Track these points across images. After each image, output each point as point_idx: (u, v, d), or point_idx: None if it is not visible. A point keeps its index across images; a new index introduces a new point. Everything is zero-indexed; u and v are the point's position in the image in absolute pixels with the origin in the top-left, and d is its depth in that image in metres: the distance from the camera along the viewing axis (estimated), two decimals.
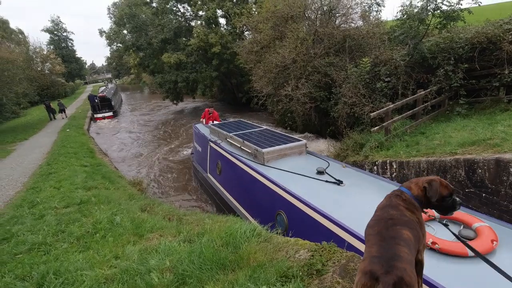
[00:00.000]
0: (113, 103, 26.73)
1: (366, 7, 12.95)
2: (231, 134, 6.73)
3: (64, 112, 22.84)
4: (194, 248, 2.80)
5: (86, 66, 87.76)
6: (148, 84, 47.86)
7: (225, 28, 22.21)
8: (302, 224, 3.82)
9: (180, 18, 23.88)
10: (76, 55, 62.21)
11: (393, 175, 6.06)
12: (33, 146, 12.69)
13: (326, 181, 4.32)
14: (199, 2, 21.03)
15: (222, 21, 22.94)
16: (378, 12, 12.96)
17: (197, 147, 9.07)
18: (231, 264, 2.39)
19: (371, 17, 12.95)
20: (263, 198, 4.83)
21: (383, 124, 7.24)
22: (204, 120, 10.63)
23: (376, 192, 3.93)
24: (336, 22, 12.98)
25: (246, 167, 5.39)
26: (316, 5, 13.14)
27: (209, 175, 7.68)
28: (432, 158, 5.35)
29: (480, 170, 4.49)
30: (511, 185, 4.06)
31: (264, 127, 7.60)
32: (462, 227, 2.98)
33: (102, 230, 3.95)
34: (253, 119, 19.19)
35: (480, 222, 2.91)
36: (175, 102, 26.06)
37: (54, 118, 22.12)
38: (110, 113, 25.21)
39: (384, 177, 6.14)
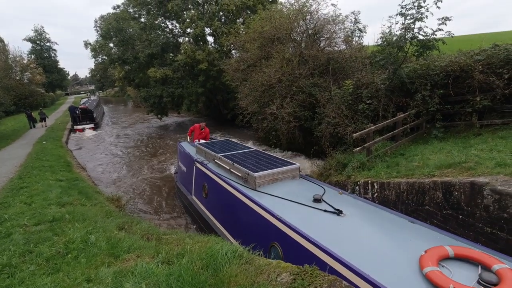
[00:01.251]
0: (95, 115, 26.18)
1: (349, 32, 13.56)
2: (219, 155, 6.34)
3: (45, 121, 23.44)
4: (173, 271, 2.68)
5: (69, 77, 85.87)
6: (133, 97, 47.31)
7: (212, 46, 22.56)
8: (299, 259, 3.36)
9: (168, 34, 24.10)
10: (59, 66, 60.93)
11: (375, 196, 6.16)
12: (5, 158, 12.06)
13: (325, 211, 4.00)
14: (188, 20, 21.36)
15: (210, 39, 23.34)
16: (360, 38, 13.60)
17: (182, 167, 8.55)
18: None
19: (353, 42, 13.56)
20: (255, 226, 4.46)
21: (365, 145, 7.42)
22: (190, 137, 9.97)
23: (379, 224, 3.73)
24: (321, 45, 13.49)
25: (236, 191, 5.02)
26: (301, 28, 13.65)
27: (194, 197, 7.25)
28: (412, 180, 5.50)
29: (456, 193, 4.64)
30: (485, 208, 4.21)
31: (254, 148, 7.18)
32: (480, 269, 2.68)
33: (74, 250, 3.72)
34: (238, 136, 19.22)
35: (501, 263, 2.62)
36: (159, 116, 25.81)
37: (34, 127, 22.55)
38: (91, 125, 24.62)
39: (376, 202, 6.12)
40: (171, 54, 23.52)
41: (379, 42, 10.49)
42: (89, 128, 24.31)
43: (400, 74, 9.08)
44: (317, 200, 4.28)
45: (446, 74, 8.36)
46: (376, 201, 6.09)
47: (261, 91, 13.04)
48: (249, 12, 21.33)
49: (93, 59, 28.18)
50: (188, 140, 9.83)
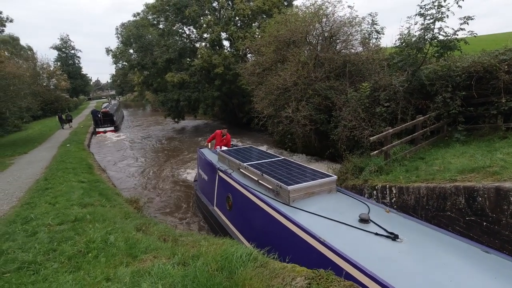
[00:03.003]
0: (115, 118, 27.13)
1: (366, 34, 13.36)
2: (245, 164, 5.77)
3: (71, 122, 26.32)
4: (188, 272, 2.71)
5: (91, 83, 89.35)
6: (151, 102, 48.54)
7: (228, 50, 22.85)
8: None
9: (185, 40, 24.63)
10: (82, 72, 63.58)
11: (393, 200, 6.00)
12: (32, 161, 12.66)
13: (376, 234, 3.38)
14: (204, 25, 21.76)
15: (226, 43, 23.67)
16: (377, 39, 13.37)
17: (202, 175, 7.98)
18: None
19: (370, 44, 13.34)
20: (291, 248, 3.79)
21: (383, 149, 7.26)
22: (210, 143, 9.42)
23: (445, 252, 3.04)
24: (337, 48, 13.36)
25: (267, 206, 4.44)
26: (317, 31, 13.58)
27: (215, 208, 6.74)
28: (432, 184, 5.31)
29: (480, 198, 4.45)
30: (511, 215, 4.01)
31: (282, 157, 6.47)
32: None
33: (95, 249, 3.85)
34: (254, 139, 19.28)
35: None
36: (176, 120, 26.34)
37: (63, 128, 25.20)
38: (112, 128, 25.55)
39: (415, 217, 5.56)
40: (188, 59, 23.99)
41: (397, 43, 10.28)
42: (110, 131, 25.25)
43: (419, 75, 8.84)
44: (364, 220, 3.67)
45: (469, 75, 8.06)
46: (395, 206, 5.93)
47: (277, 94, 13.04)
48: (264, 16, 21.47)
49: (114, 65, 29.23)
50: (209, 147, 9.30)
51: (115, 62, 29.00)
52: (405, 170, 6.78)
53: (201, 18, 22.47)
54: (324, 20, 13.33)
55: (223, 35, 22.51)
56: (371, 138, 7.29)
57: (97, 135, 24.44)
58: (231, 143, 9.42)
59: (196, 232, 6.64)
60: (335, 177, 4.84)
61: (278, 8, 20.25)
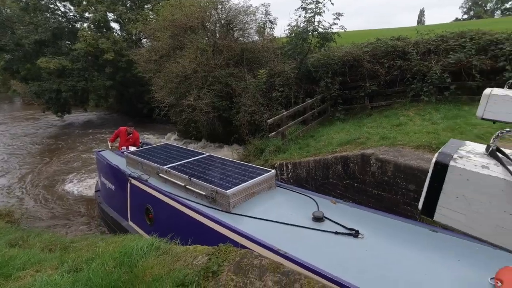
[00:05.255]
0: None
1: (261, 23, 14.09)
2: (165, 167, 4.81)
3: None
4: (80, 277, 2.44)
5: None
6: (21, 93, 39.66)
7: (118, 34, 20.51)
8: None
9: (60, 18, 20.83)
10: None
11: (289, 175, 6.72)
12: None
13: (336, 233, 3.03)
14: (84, 3, 18.84)
15: (115, 26, 21.14)
16: (271, 29, 14.29)
17: (107, 184, 6.65)
18: (125, 285, 2.19)
19: (265, 33, 14.16)
20: None
21: (279, 130, 7.96)
22: (112, 143, 7.72)
23: (408, 242, 2.86)
24: (235, 35, 13.67)
25: (202, 217, 3.71)
26: (214, 18, 13.55)
27: (131, 224, 5.63)
28: (318, 157, 6.18)
29: (351, 164, 5.44)
30: (372, 174, 5.07)
31: (207, 153, 5.62)
32: None
33: None
34: (157, 131, 18.20)
35: None
36: (59, 114, 22.38)
37: None
38: None
39: (290, 182, 6.07)
40: (67, 42, 20.46)
41: (287, 34, 11.25)
42: None
43: (306, 63, 9.96)
44: (318, 218, 3.31)
45: (343, 63, 9.54)
46: (291, 180, 6.65)
47: (177, 82, 12.55)
48: None
49: None
50: (110, 147, 7.65)
51: None
52: (298, 147, 7.63)
53: None
54: (219, 7, 13.38)
55: (111, 16, 20.00)
56: (268, 121, 7.89)
57: None
58: (140, 142, 7.92)
59: (94, 235, 5.94)
60: (274, 171, 4.39)
61: None
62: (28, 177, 11.52)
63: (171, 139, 15.66)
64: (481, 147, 1.12)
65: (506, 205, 0.92)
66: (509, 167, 0.94)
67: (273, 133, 7.79)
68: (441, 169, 1.02)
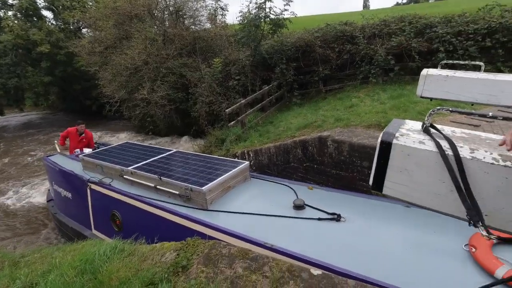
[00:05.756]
0: None
1: (212, 10, 13.71)
2: (130, 168, 4.51)
3: None
4: None
5: None
6: None
7: (53, 24, 18.53)
8: None
9: None
10: None
11: (252, 163, 6.80)
12: None
13: (319, 219, 3.04)
14: None
15: (48, 14, 19.02)
16: (223, 16, 13.99)
17: (61, 192, 6.12)
18: None
19: (217, 20, 13.83)
20: None
21: (238, 119, 7.96)
22: (62, 146, 7.01)
23: (387, 221, 2.95)
24: (185, 23, 13.16)
25: (178, 217, 3.54)
26: (161, 4, 12.87)
27: (95, 232, 5.24)
28: (278, 143, 6.33)
29: (310, 147, 5.67)
30: (330, 155, 5.35)
31: (173, 150, 5.33)
32: None
33: None
34: (110, 128, 17.08)
35: None
36: None
37: None
38: None
39: (253, 169, 6.24)
40: None
41: (240, 20, 11.11)
42: None
43: (260, 50, 9.98)
44: (299, 206, 3.27)
45: (296, 49, 9.73)
46: (254, 168, 6.75)
47: (127, 75, 11.85)
48: None
49: None
50: (59, 150, 6.97)
51: None
52: (259, 134, 7.72)
53: None
54: None
55: (41, 3, 17.94)
56: (227, 110, 7.84)
57: None
58: (94, 142, 7.27)
59: (48, 246, 5.50)
60: (247, 163, 4.23)
61: None
62: None
63: (125, 136, 14.83)
64: (419, 125, 1.25)
65: (439, 174, 1.05)
66: (439, 141, 1.07)
67: (232, 122, 7.77)
68: (386, 147, 1.13)
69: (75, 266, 2.49)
